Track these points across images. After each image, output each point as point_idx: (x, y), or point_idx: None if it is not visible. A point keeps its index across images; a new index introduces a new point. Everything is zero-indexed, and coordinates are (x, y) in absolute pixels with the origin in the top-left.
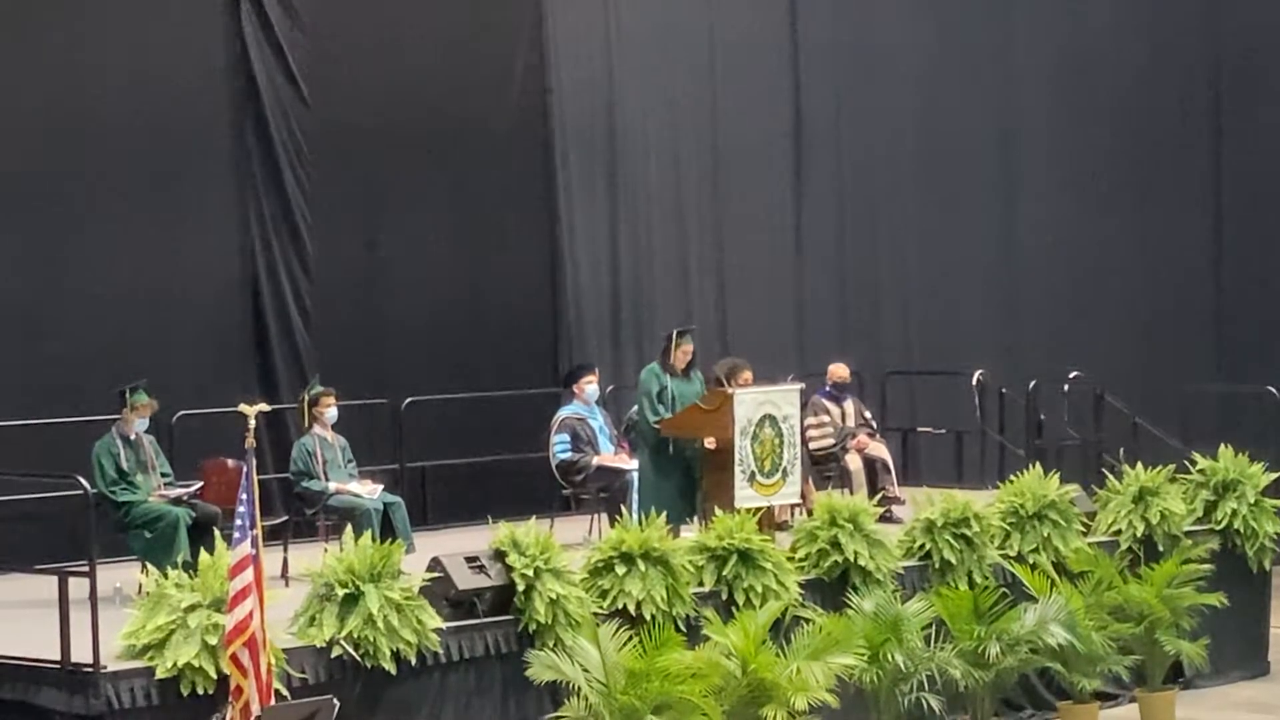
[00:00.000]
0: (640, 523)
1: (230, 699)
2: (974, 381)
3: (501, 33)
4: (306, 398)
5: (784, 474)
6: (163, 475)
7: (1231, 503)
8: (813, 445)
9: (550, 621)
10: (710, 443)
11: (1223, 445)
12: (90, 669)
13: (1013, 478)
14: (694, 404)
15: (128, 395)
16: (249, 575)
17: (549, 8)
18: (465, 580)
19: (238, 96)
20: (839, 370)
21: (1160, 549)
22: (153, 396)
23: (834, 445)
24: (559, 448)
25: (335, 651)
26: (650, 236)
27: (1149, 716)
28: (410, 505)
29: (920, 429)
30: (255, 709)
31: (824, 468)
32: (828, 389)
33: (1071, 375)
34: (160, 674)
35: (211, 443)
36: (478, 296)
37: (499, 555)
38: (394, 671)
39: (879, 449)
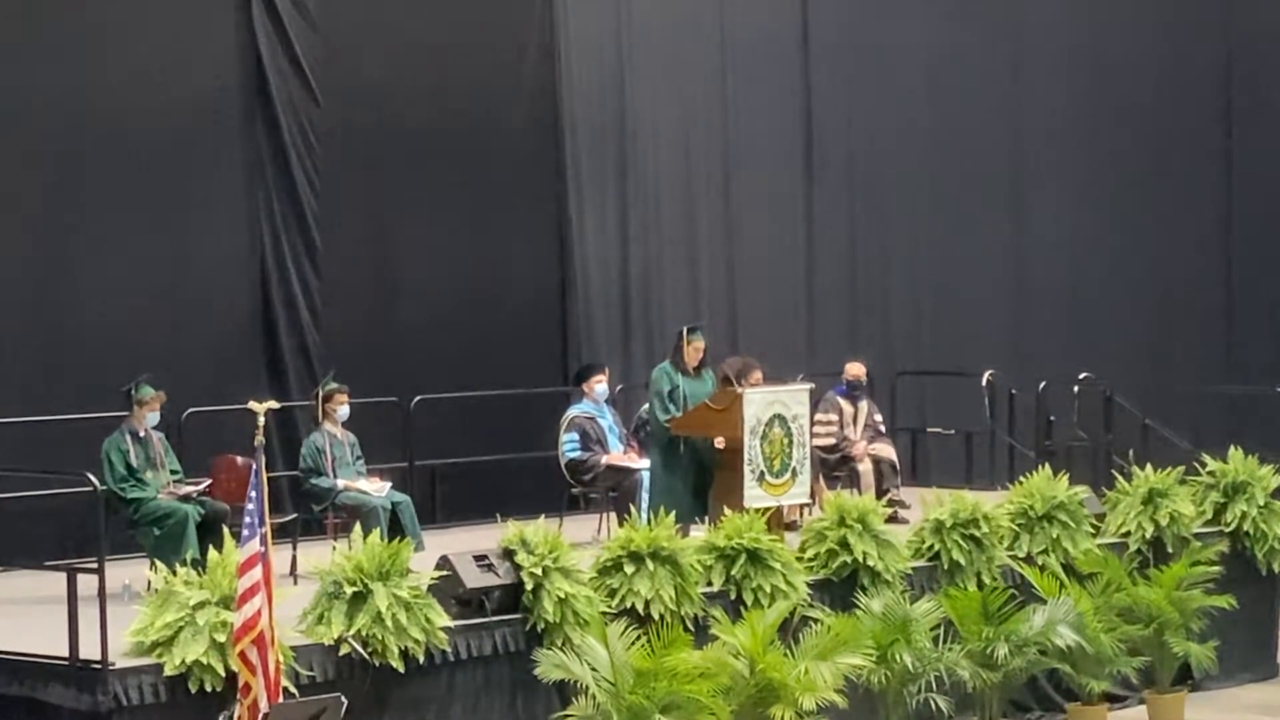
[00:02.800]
0: (649, 522)
1: (238, 696)
2: (984, 382)
3: (512, 30)
4: (320, 393)
5: (793, 474)
6: (172, 472)
7: (1241, 505)
8: (814, 441)
9: (558, 620)
10: (719, 442)
11: (1232, 447)
12: (99, 666)
13: (1022, 479)
14: (703, 403)
15: (134, 392)
16: (257, 573)
17: (560, 4)
18: (474, 579)
19: (248, 94)
20: (854, 369)
21: (1169, 551)
22: (159, 388)
23: (833, 446)
24: (568, 446)
25: (343, 649)
26: (660, 235)
27: (1157, 718)
28: (419, 503)
29: (930, 429)
30: (263, 706)
31: (834, 468)
32: (843, 387)
33: (1081, 376)
34: (168, 671)
35: (220, 440)
36: (487, 294)
37: (508, 554)
38: (402, 669)
39: (886, 449)
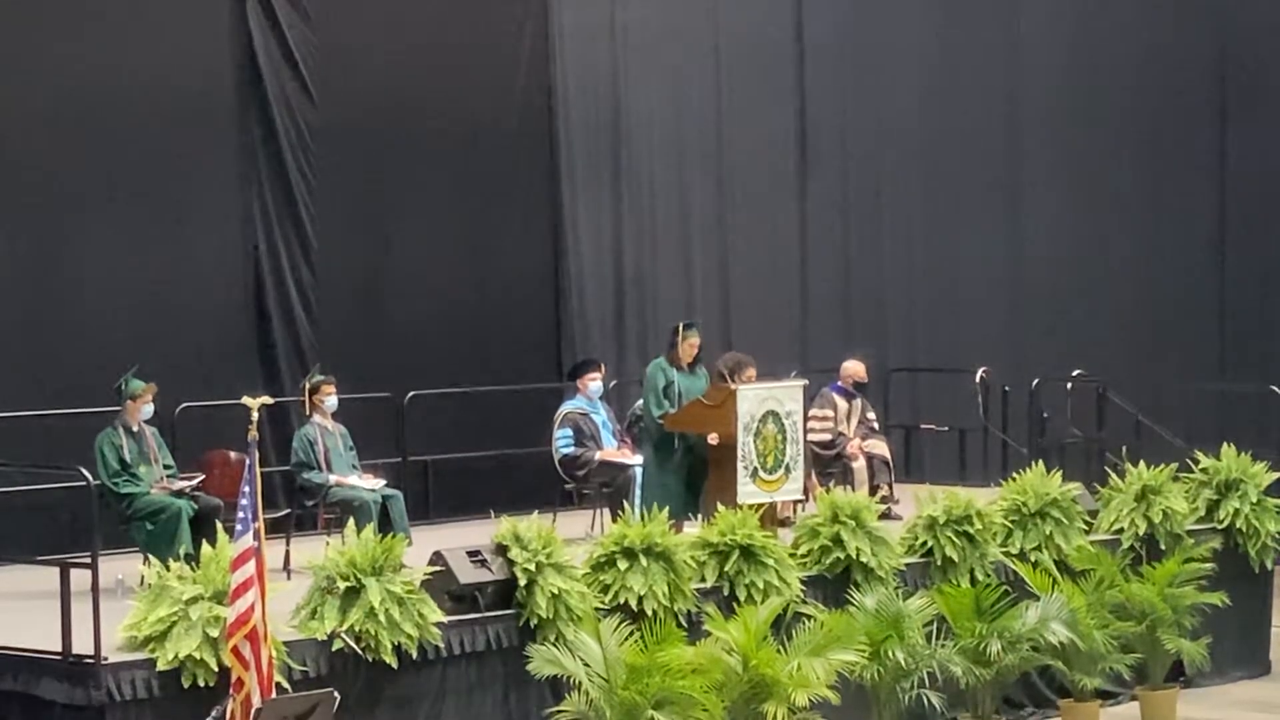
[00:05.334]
0: (642, 518)
1: (231, 691)
2: (977, 379)
3: (507, 29)
4: (307, 386)
5: (786, 470)
6: (165, 467)
7: (1234, 502)
8: (809, 437)
9: (552, 616)
10: (713, 438)
11: (1225, 444)
12: (91, 660)
13: (1015, 475)
14: (697, 399)
15: (123, 388)
16: (251, 568)
17: (554, 4)
18: (467, 574)
19: (243, 92)
20: (855, 370)
21: (1162, 548)
22: (147, 380)
23: (829, 442)
24: (562, 442)
25: (336, 645)
26: (654, 233)
27: (1150, 715)
28: (413, 499)
29: (923, 426)
30: (256, 701)
31: (827, 464)
32: (840, 384)
33: (1075, 373)
34: (161, 666)
35: (214, 435)
36: (481, 291)
37: (501, 549)
38: (395, 665)
39: (879, 447)
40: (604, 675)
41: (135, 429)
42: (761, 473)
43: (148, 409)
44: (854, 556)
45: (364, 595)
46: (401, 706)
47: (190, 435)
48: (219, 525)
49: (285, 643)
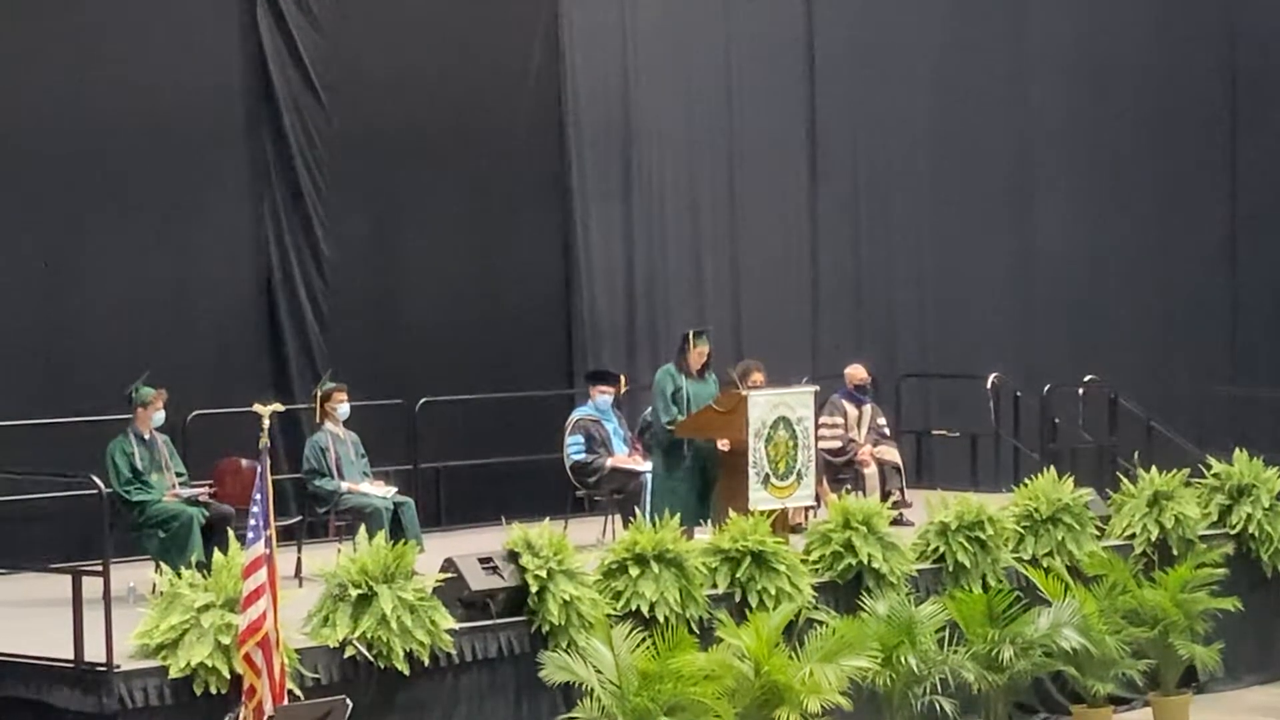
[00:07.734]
0: (654, 524)
1: (243, 699)
2: (989, 384)
3: (517, 32)
4: (318, 393)
5: (798, 476)
6: (177, 475)
7: (1246, 507)
8: (820, 444)
9: (563, 623)
10: (724, 444)
11: (1238, 449)
12: (104, 668)
13: (1027, 481)
14: (708, 405)
15: (134, 395)
16: (262, 575)
17: (565, 7)
18: (479, 581)
19: (253, 97)
20: (858, 373)
21: (1175, 553)
22: (157, 386)
23: (839, 449)
24: (573, 449)
25: (348, 652)
26: (665, 238)
27: None
28: (424, 506)
29: (935, 431)
30: (268, 709)
31: (839, 470)
32: (848, 390)
33: (1086, 379)
34: (173, 673)
35: (226, 443)
36: (493, 297)
37: (512, 556)
38: (407, 672)
39: (890, 452)
40: (616, 682)
41: (147, 436)
42: (773, 479)
43: (159, 416)
44: (866, 562)
45: (376, 602)
46: (413, 713)
47: (202, 443)
48: (230, 533)
49: (297, 650)
